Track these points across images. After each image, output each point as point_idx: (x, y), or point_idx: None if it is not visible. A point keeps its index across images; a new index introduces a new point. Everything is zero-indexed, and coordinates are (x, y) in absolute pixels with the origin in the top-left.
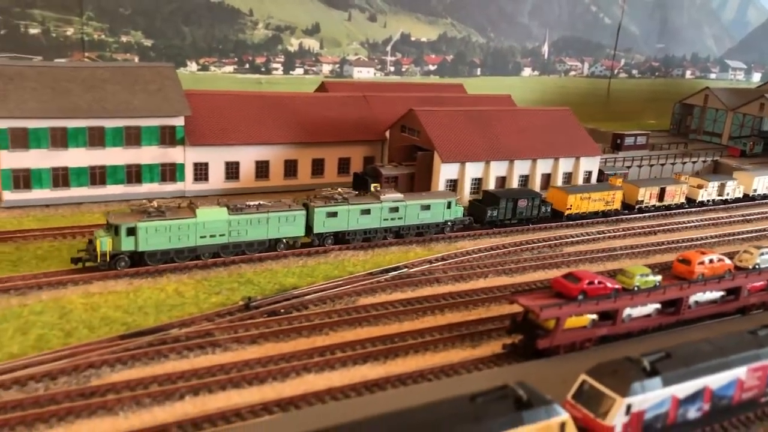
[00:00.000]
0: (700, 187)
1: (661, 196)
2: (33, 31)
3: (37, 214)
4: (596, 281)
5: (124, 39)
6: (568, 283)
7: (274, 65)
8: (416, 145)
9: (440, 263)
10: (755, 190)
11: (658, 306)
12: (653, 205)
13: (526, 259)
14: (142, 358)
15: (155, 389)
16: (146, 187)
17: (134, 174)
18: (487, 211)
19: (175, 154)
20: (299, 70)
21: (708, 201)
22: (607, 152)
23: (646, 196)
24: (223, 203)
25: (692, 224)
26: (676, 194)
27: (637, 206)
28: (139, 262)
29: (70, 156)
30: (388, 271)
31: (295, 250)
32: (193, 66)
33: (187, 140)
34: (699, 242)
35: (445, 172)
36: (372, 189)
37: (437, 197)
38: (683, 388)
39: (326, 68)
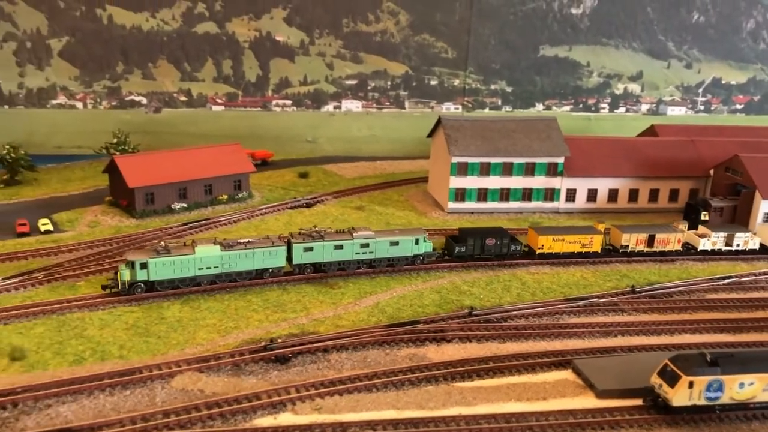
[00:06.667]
0: (702, 236)
1: (650, 242)
2: (432, 82)
3: (468, 219)
4: None
5: (492, 87)
6: None
7: (602, 105)
8: (737, 183)
9: (764, 276)
10: None
11: None
12: (641, 251)
13: None
14: (578, 313)
15: (596, 330)
16: (533, 204)
17: (527, 195)
18: (455, 247)
19: (554, 182)
20: (622, 109)
21: (712, 250)
22: None
23: (632, 241)
24: (218, 242)
25: None
26: (669, 241)
27: (621, 249)
28: (152, 288)
29: (489, 181)
30: (723, 278)
31: (645, 258)
32: (539, 107)
33: (564, 173)
34: None
35: (764, 206)
36: (702, 217)
37: (406, 234)
38: None
39: (644, 107)
